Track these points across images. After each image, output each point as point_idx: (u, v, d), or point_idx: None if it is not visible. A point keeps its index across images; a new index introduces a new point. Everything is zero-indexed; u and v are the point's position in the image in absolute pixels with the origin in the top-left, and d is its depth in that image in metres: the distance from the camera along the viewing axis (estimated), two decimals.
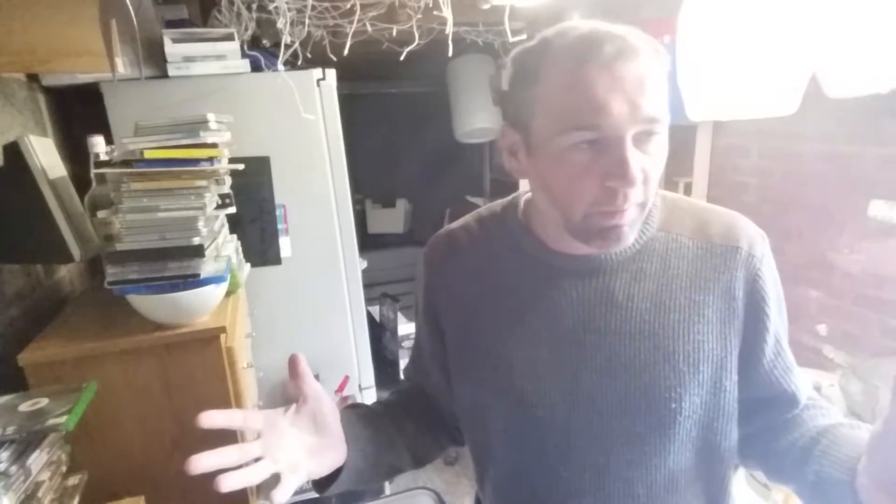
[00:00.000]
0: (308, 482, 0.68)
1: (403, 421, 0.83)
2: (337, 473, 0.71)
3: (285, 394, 1.76)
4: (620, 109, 0.57)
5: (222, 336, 1.08)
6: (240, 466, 0.59)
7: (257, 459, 0.61)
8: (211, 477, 0.57)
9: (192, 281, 1.03)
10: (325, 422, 0.68)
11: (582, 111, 0.58)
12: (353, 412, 0.79)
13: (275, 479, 0.61)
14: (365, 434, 0.75)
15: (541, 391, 0.71)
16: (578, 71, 0.59)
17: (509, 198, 0.81)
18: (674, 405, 0.67)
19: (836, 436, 0.67)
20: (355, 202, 2.17)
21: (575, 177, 0.61)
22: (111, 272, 0.99)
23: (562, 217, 0.66)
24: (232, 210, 1.17)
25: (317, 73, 1.68)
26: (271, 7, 1.56)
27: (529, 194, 0.77)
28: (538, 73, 0.62)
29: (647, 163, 0.61)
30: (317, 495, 0.73)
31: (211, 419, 0.59)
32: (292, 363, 0.66)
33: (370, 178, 4.03)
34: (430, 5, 1.68)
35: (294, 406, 0.67)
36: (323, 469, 0.68)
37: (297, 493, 0.63)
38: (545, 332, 0.71)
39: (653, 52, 0.61)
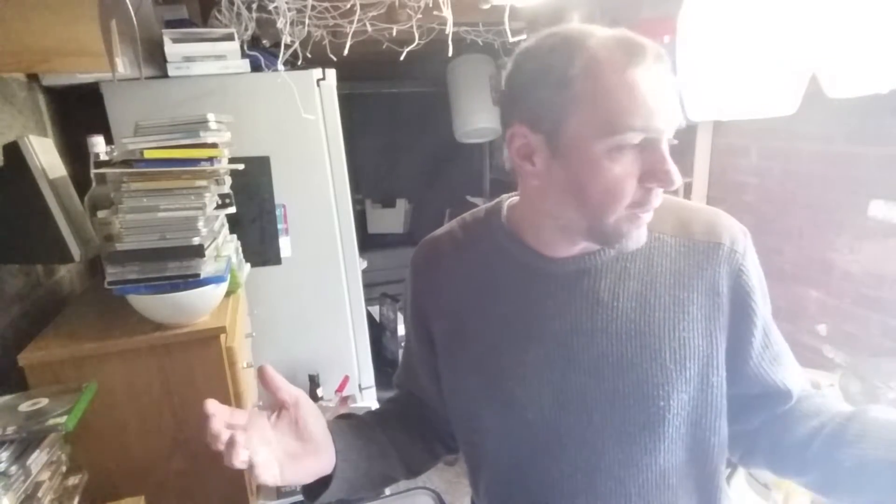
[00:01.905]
0: (297, 488, 0.67)
1: (395, 430, 0.83)
2: (326, 483, 0.71)
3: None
4: (665, 111, 0.60)
5: (222, 336, 1.08)
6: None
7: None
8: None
9: (192, 281, 1.03)
10: (306, 428, 0.67)
11: (635, 113, 0.59)
12: (343, 422, 0.79)
13: (270, 487, 0.61)
14: (355, 444, 0.75)
15: (530, 393, 0.71)
16: (627, 73, 0.59)
17: (492, 203, 0.81)
18: (662, 403, 0.68)
19: (870, 419, 0.67)
20: (355, 202, 2.17)
21: (618, 179, 0.61)
22: (111, 272, 0.99)
23: (589, 220, 0.65)
24: (232, 210, 1.17)
25: (317, 73, 1.68)
26: (271, 7, 1.56)
27: (514, 199, 0.77)
28: (571, 74, 0.60)
29: None
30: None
31: (213, 407, 0.60)
32: (260, 375, 0.65)
33: (370, 178, 4.03)
34: (430, 5, 1.68)
35: (276, 412, 0.67)
36: (301, 475, 0.66)
37: (297, 493, 0.63)
38: (532, 333, 0.71)
39: None
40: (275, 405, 0.68)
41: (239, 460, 0.58)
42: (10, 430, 0.75)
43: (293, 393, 0.67)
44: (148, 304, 1.03)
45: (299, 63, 1.79)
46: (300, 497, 1.58)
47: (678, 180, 0.61)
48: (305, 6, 1.61)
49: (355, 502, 1.72)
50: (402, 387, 0.92)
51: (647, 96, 0.59)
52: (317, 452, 0.68)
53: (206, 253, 1.03)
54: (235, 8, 1.64)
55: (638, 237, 0.66)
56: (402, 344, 2.92)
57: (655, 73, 0.60)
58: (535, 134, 0.64)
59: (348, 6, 1.67)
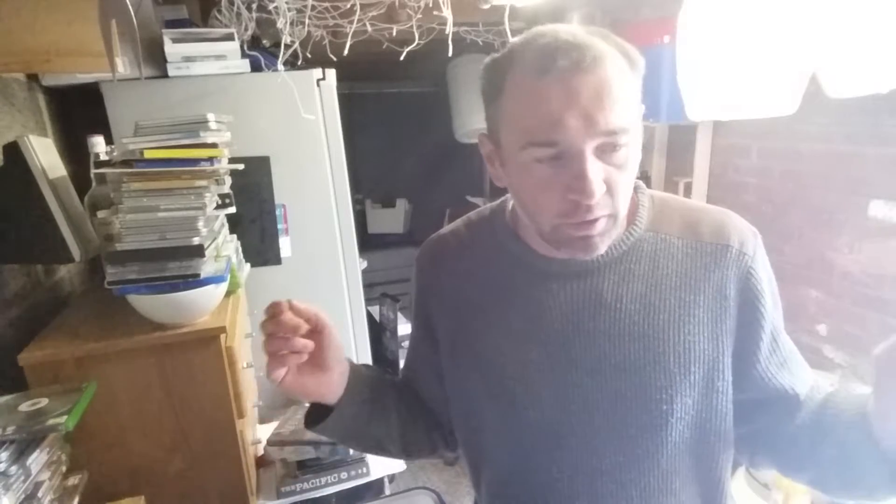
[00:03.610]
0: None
1: (402, 406, 0.84)
2: (325, 417, 0.74)
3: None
4: (576, 124, 0.57)
5: (222, 336, 1.08)
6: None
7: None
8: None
9: (192, 281, 1.03)
10: (321, 355, 0.70)
11: (538, 127, 0.59)
12: (366, 371, 0.81)
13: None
14: (366, 395, 0.77)
15: (532, 393, 0.71)
16: (535, 85, 0.59)
17: (498, 201, 0.81)
18: (665, 407, 0.67)
19: (840, 401, 0.68)
20: (355, 202, 2.17)
21: (539, 189, 0.62)
22: (111, 272, 0.99)
23: (534, 225, 0.67)
24: (232, 210, 1.17)
25: (317, 73, 1.68)
26: (271, 7, 1.56)
27: None
28: (502, 85, 0.63)
29: (611, 174, 0.61)
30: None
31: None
32: (292, 309, 0.68)
33: (370, 178, 4.03)
34: (430, 5, 1.67)
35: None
36: (298, 391, 0.71)
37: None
38: (534, 334, 0.71)
39: (619, 59, 0.60)
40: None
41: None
42: (10, 430, 0.75)
43: (322, 321, 0.70)
44: (148, 304, 1.03)
45: (299, 63, 1.79)
46: (300, 497, 1.59)
47: (595, 192, 0.58)
48: (305, 6, 1.61)
49: (357, 500, 1.72)
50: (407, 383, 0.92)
51: (551, 110, 0.57)
52: (326, 384, 0.72)
53: (206, 253, 1.03)
54: (235, 8, 1.64)
55: (586, 247, 0.64)
56: (403, 344, 2.92)
57: (568, 83, 0.57)
58: (490, 142, 0.69)
59: (348, 6, 1.67)
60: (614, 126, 0.58)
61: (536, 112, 0.59)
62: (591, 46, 0.58)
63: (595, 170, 0.59)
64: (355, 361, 0.79)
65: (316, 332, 0.69)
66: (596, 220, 0.62)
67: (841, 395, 0.69)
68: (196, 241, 1.01)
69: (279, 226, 1.71)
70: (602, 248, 0.65)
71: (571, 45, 0.58)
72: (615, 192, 0.62)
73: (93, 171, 1.07)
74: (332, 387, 0.73)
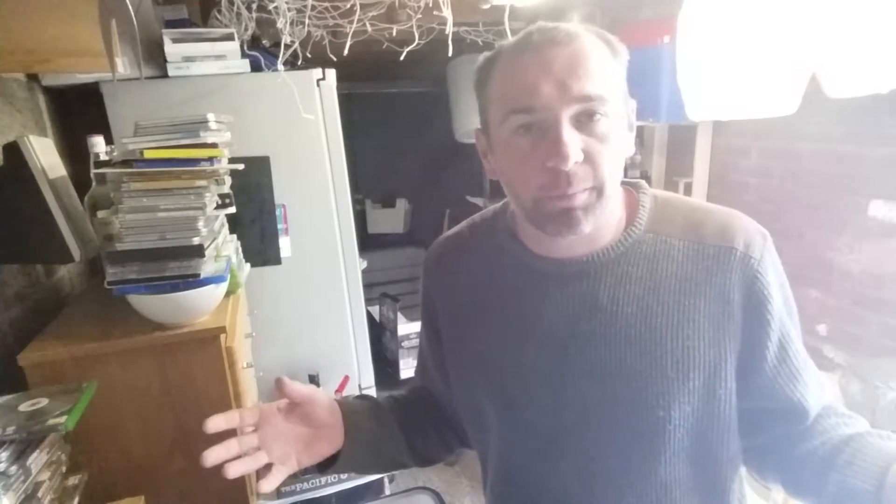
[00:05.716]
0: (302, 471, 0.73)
1: (408, 417, 0.85)
2: (335, 458, 0.74)
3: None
4: (550, 91, 0.60)
5: (222, 336, 1.08)
6: (240, 457, 0.66)
7: (257, 449, 0.68)
8: (209, 475, 0.58)
9: (192, 281, 1.03)
10: (317, 416, 0.73)
11: (516, 96, 0.62)
12: (358, 403, 0.82)
13: (267, 472, 0.67)
14: (367, 426, 0.78)
15: (528, 394, 0.70)
16: (514, 62, 0.63)
17: (501, 203, 0.81)
18: (661, 413, 0.65)
19: (863, 445, 0.64)
20: (355, 202, 2.17)
21: (519, 162, 0.64)
22: (111, 272, 0.99)
23: (519, 205, 0.68)
24: (232, 210, 1.17)
25: (317, 73, 1.68)
26: (271, 7, 1.56)
27: None
28: (490, 74, 0.67)
29: (591, 144, 0.61)
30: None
31: (214, 423, 0.65)
32: (278, 389, 0.70)
33: (370, 178, 4.03)
34: (430, 5, 1.67)
35: (287, 405, 0.72)
36: (315, 458, 0.73)
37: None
38: (531, 335, 0.71)
39: (597, 41, 0.63)
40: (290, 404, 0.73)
41: (258, 465, 0.66)
42: (10, 430, 0.75)
43: (303, 392, 0.72)
44: (148, 304, 1.03)
45: (299, 63, 1.79)
46: (300, 497, 1.59)
47: (569, 155, 0.59)
48: (305, 6, 1.61)
49: (358, 500, 1.72)
50: (420, 382, 0.94)
51: (527, 78, 0.61)
52: (329, 436, 0.73)
53: (206, 253, 1.03)
54: (235, 8, 1.64)
55: (570, 221, 0.63)
56: (402, 344, 2.93)
57: (541, 54, 0.61)
58: (483, 135, 0.71)
59: (348, 6, 1.66)
60: (588, 92, 0.60)
61: (514, 82, 0.62)
62: (568, 27, 0.63)
63: (571, 136, 0.60)
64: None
65: (308, 402, 0.72)
66: (576, 193, 0.62)
67: (867, 441, 0.65)
68: (196, 241, 1.01)
69: (279, 226, 1.71)
70: (586, 224, 0.63)
71: (549, 27, 0.63)
72: (596, 163, 0.61)
73: (93, 171, 1.07)
74: (340, 435, 0.75)
